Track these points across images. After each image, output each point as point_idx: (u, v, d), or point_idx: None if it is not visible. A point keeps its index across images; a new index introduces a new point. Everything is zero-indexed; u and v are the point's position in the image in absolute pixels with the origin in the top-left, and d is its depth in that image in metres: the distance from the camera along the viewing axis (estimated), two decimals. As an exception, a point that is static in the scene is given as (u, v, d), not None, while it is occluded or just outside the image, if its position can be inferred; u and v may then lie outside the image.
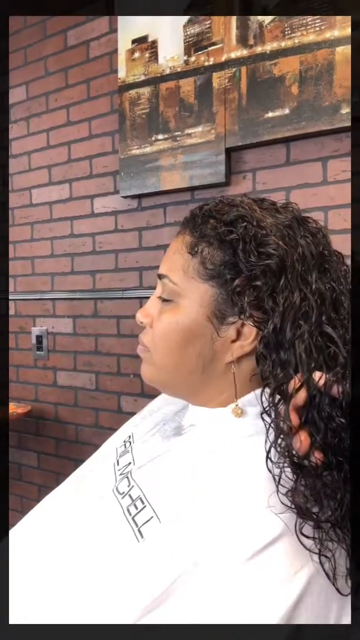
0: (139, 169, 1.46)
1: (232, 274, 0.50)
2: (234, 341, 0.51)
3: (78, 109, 1.64)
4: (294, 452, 0.40)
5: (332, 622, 0.40)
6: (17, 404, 1.76)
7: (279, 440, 0.42)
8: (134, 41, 1.46)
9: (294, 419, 0.41)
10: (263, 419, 0.45)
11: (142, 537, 0.45)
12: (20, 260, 1.83)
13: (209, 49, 1.33)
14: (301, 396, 0.42)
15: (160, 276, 0.55)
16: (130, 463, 0.57)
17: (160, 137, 1.43)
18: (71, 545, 0.50)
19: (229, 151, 1.33)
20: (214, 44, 1.32)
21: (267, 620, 0.37)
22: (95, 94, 1.60)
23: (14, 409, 1.66)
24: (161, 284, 0.55)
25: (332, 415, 0.40)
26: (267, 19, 1.22)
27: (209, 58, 1.33)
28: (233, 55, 1.29)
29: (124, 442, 0.63)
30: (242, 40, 1.27)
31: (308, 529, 0.40)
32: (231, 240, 0.50)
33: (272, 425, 0.44)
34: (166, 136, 1.42)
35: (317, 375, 0.42)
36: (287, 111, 1.19)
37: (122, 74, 1.49)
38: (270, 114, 1.22)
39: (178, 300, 0.53)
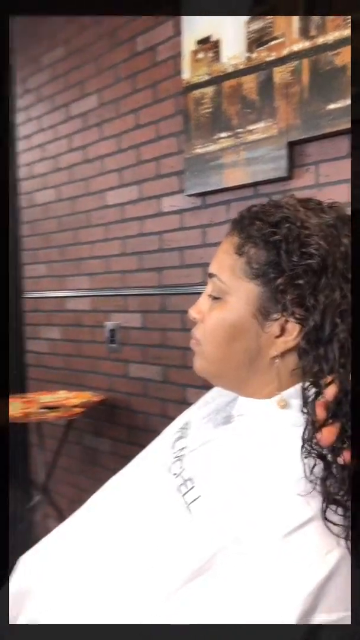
0: (203, 167, 1.50)
1: (275, 273, 0.52)
2: (278, 337, 0.54)
3: (146, 113, 1.71)
4: (314, 445, 0.43)
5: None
6: (93, 392, 1.90)
7: (308, 433, 0.45)
8: (198, 42, 1.49)
9: (320, 413, 0.44)
10: (303, 412, 0.48)
11: (190, 513, 0.50)
12: (96, 259, 1.95)
13: (271, 43, 1.33)
14: (330, 392, 0.44)
15: (210, 275, 0.59)
16: (184, 447, 0.62)
17: (223, 135, 1.46)
18: (128, 520, 0.57)
19: (291, 145, 1.32)
20: (275, 38, 1.32)
21: (298, 594, 0.40)
22: (162, 96, 1.66)
23: (90, 397, 1.79)
24: (211, 283, 0.59)
25: None
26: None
27: (270, 53, 1.33)
28: (295, 48, 1.28)
29: (181, 428, 0.69)
30: (304, 32, 1.25)
31: (336, 516, 0.43)
32: (275, 241, 0.52)
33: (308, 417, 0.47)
34: (229, 134, 1.44)
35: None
36: (349, 102, 1.16)
37: (186, 75, 1.53)
38: (332, 106, 1.20)
39: (226, 297, 0.57)
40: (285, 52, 1.29)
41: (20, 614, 0.56)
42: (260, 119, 1.37)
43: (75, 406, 1.63)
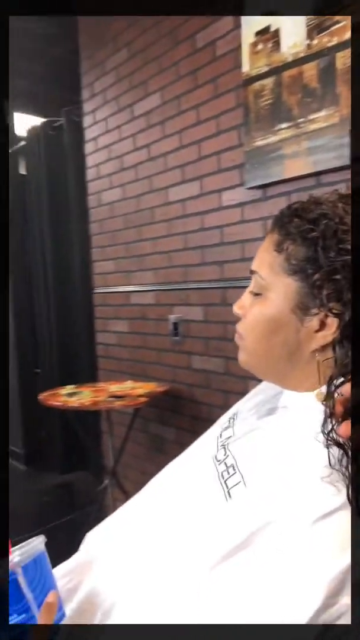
0: (263, 159, 1.50)
1: (313, 268, 0.54)
2: (317, 331, 0.55)
3: (206, 108, 1.73)
4: (334, 436, 0.45)
5: None
6: (158, 383, 1.97)
7: (326, 424, 0.47)
8: (257, 33, 1.49)
9: (337, 409, 0.45)
10: (322, 403, 0.50)
11: (230, 497, 0.54)
12: (159, 254, 2.01)
13: (332, 28, 1.29)
14: (346, 388, 0.45)
15: (251, 272, 0.62)
16: (230, 437, 0.65)
17: (283, 125, 1.44)
18: (178, 503, 0.61)
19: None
20: (337, 22, 1.28)
21: (323, 578, 0.42)
22: (222, 90, 1.67)
23: (154, 387, 1.87)
24: (253, 279, 0.61)
25: None
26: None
27: (332, 38, 1.29)
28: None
29: (229, 419, 0.72)
30: (368, 13, 1.21)
31: None
32: (312, 238, 0.54)
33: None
34: (290, 124, 1.42)
35: None
36: None
37: (246, 67, 1.53)
38: None
39: (266, 293, 0.58)
40: (347, 35, 1.25)
41: (83, 581, 0.62)
42: (321, 107, 1.34)
43: (140, 396, 1.70)
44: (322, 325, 0.55)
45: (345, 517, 0.44)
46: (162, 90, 1.92)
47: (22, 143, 2.89)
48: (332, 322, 0.53)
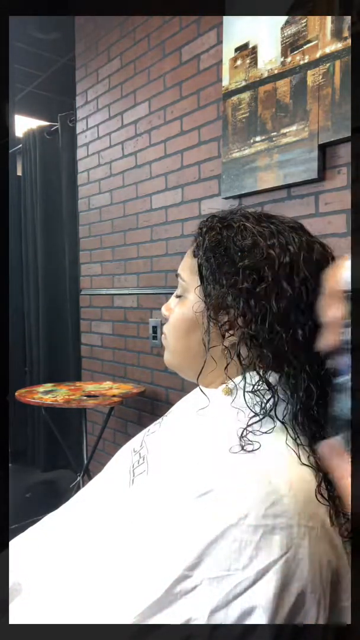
0: (239, 171, 1.55)
1: (223, 275, 0.57)
2: (227, 331, 0.59)
3: (190, 119, 1.78)
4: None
5: (238, 566, 0.44)
6: (135, 384, 2.01)
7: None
8: (236, 49, 1.54)
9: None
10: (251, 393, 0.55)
11: (132, 483, 0.58)
12: (142, 259, 2.06)
13: (305, 47, 1.34)
14: None
15: (177, 275, 0.66)
16: (155, 431, 0.69)
17: (258, 138, 1.49)
18: (95, 490, 0.66)
19: (323, 147, 1.33)
20: (309, 41, 1.33)
21: (188, 549, 0.45)
22: (204, 103, 1.72)
23: (130, 388, 1.90)
24: (178, 282, 0.66)
25: None
26: None
27: (304, 56, 1.34)
28: (327, 50, 1.29)
29: (165, 414, 0.76)
30: (337, 34, 1.26)
31: None
32: (223, 249, 0.58)
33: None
34: (263, 137, 1.47)
35: None
36: (375, 103, 1.16)
37: (225, 82, 1.58)
38: None
39: (186, 295, 0.63)
40: (318, 54, 1.30)
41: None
42: (293, 122, 1.39)
43: (114, 396, 1.74)
44: (231, 325, 0.59)
45: (216, 496, 0.47)
46: (150, 100, 1.97)
47: (20, 145, 2.95)
48: (239, 323, 0.57)
